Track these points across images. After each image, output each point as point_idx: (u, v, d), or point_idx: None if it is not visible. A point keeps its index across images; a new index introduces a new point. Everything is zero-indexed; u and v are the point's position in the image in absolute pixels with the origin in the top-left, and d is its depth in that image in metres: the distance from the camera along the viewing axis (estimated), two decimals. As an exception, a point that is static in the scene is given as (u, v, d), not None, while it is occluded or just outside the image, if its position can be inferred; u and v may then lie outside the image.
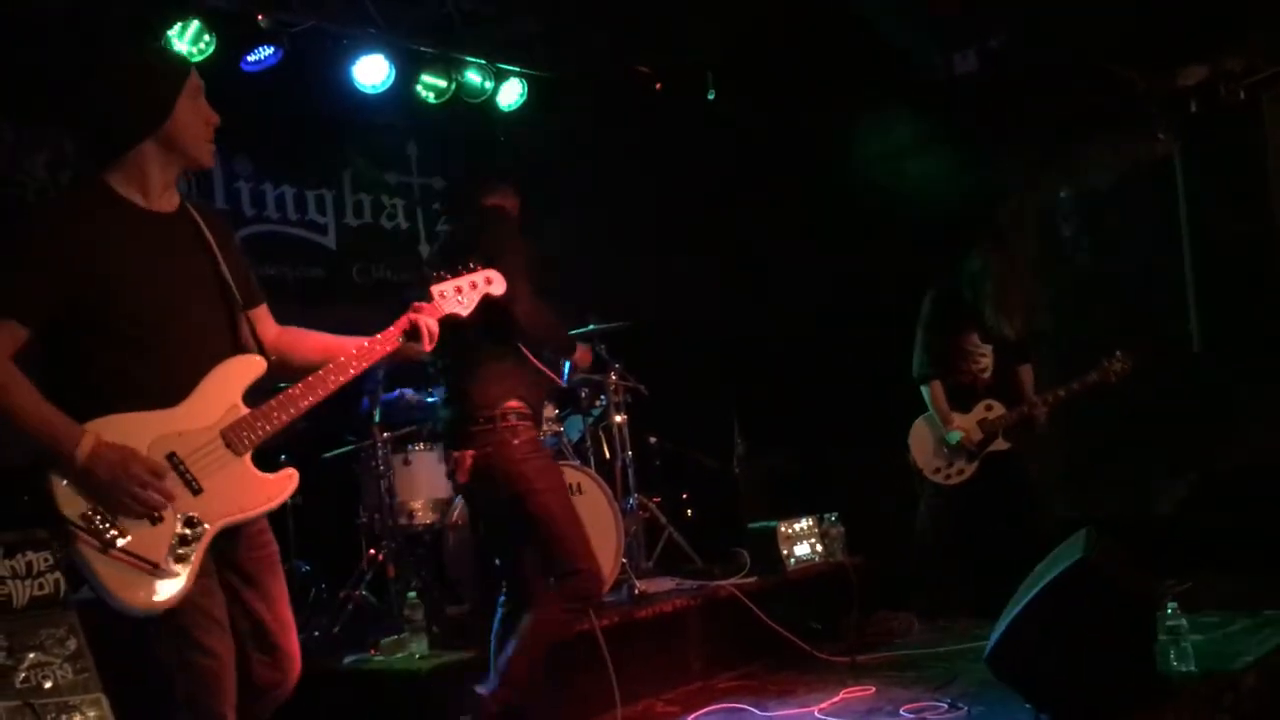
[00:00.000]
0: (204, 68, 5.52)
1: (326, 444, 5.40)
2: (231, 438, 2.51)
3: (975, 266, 5.34)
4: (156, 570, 2.38)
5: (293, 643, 2.66)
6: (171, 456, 2.44)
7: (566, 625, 3.69)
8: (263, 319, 2.79)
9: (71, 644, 2.32)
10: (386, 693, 4.13)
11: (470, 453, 3.58)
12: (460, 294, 3.04)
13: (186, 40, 5.51)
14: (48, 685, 2.30)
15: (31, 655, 2.31)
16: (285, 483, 2.60)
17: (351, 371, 2.68)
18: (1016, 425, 5.29)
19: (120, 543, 2.37)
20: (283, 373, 2.71)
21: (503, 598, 3.82)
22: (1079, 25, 5.95)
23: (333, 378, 2.65)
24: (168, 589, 2.40)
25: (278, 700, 2.65)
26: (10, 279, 2.36)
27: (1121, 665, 3.42)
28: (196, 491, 2.45)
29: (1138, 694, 3.44)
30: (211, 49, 5.54)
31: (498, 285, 3.17)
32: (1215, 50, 5.82)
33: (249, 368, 2.59)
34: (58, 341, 2.41)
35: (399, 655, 4.25)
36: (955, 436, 5.26)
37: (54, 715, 2.34)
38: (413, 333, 2.82)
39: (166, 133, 2.53)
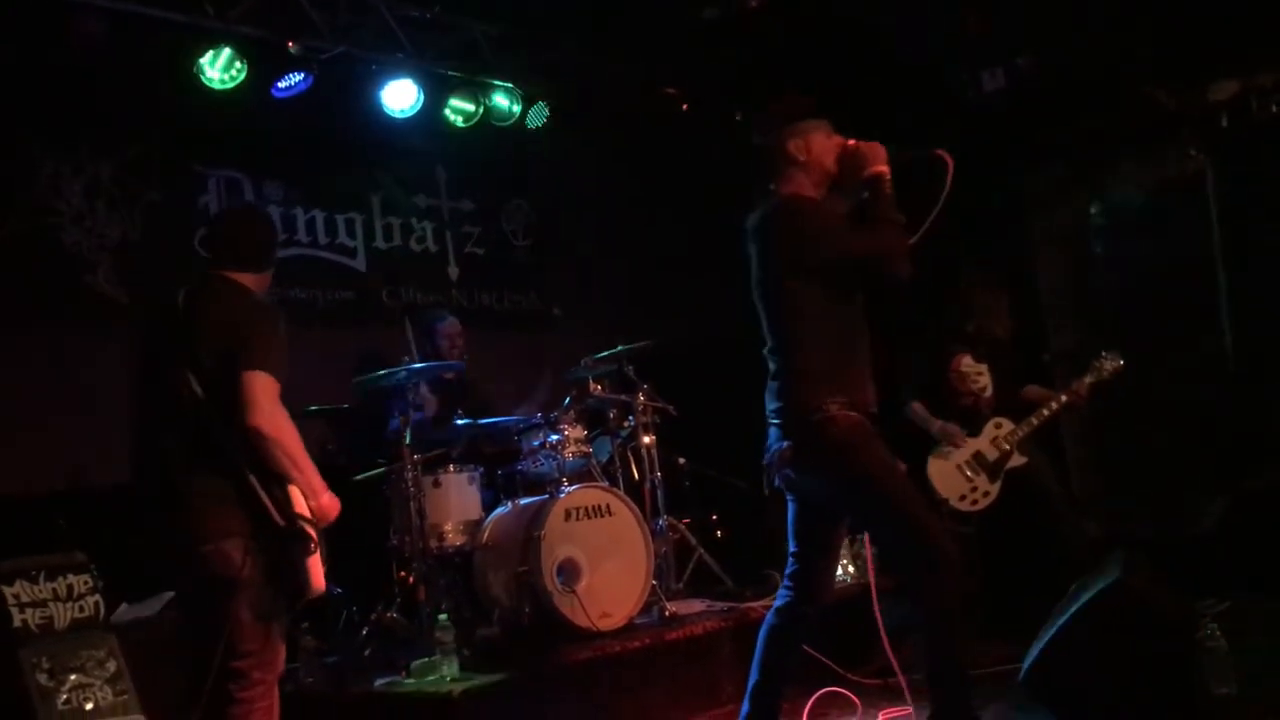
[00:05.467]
0: (235, 94, 5.67)
1: (357, 467, 5.41)
2: None
3: (959, 285, 5.50)
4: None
5: None
6: None
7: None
8: None
9: (112, 666, 2.35)
10: (418, 715, 4.13)
11: None
12: None
13: (218, 67, 5.58)
14: (89, 707, 2.33)
15: (73, 677, 2.34)
16: None
17: None
18: (1045, 426, 5.26)
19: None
20: None
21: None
22: (1108, 42, 5.94)
23: None
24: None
25: None
26: (269, 350, 3.13)
27: (1160, 687, 3.38)
28: None
29: (1177, 717, 3.39)
30: (243, 75, 5.61)
31: None
32: (1246, 65, 5.79)
33: None
34: None
35: (430, 678, 4.24)
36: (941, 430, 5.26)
37: (94, 737, 2.36)
38: None
39: (264, 279, 3.45)
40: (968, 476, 5.29)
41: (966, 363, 5.41)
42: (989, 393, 5.40)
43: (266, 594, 3.04)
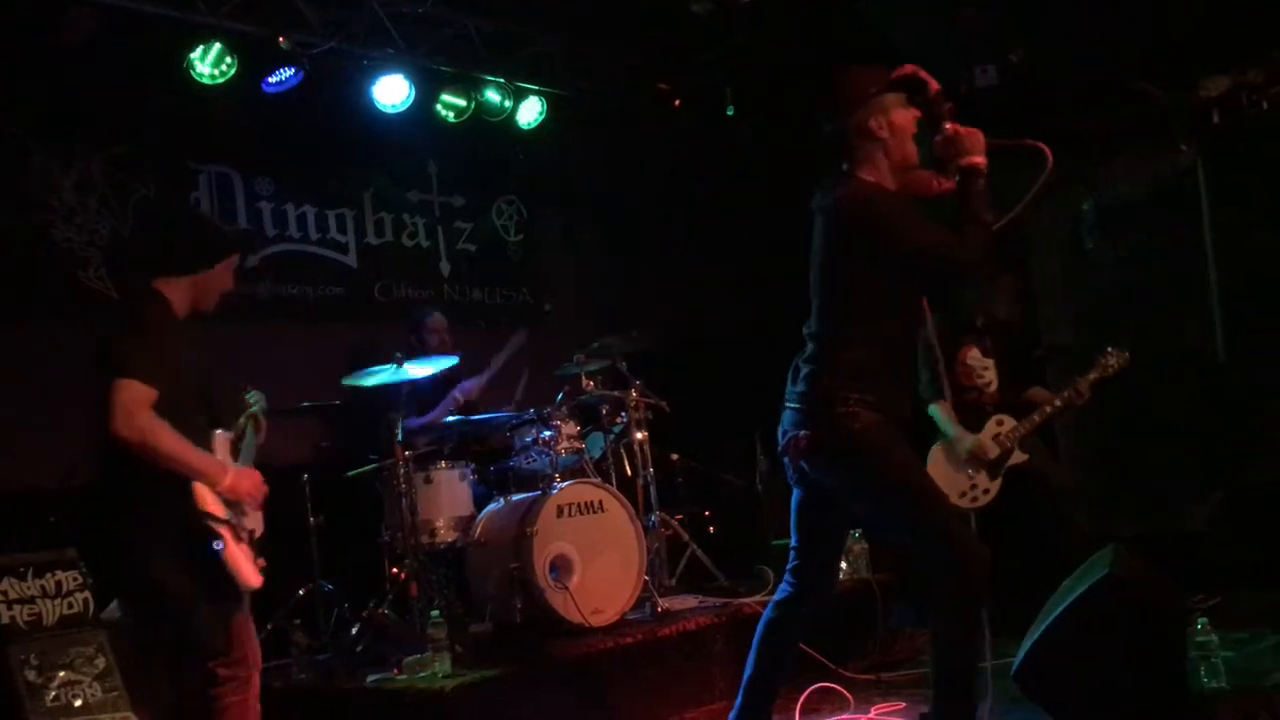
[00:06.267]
0: (226, 90, 5.65)
1: (349, 463, 5.41)
2: None
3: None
4: (254, 559, 3.23)
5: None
6: None
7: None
8: None
9: (101, 662, 2.34)
10: (410, 712, 4.11)
11: None
12: None
13: (209, 63, 5.56)
14: (78, 703, 2.33)
15: (62, 674, 2.34)
16: (261, 518, 3.43)
17: None
18: (1048, 423, 5.21)
19: (244, 536, 3.22)
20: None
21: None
22: (1099, 38, 5.94)
23: None
24: (258, 575, 3.23)
25: None
26: (144, 356, 3.15)
27: (1151, 682, 3.38)
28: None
29: (1168, 711, 3.39)
30: (233, 71, 5.60)
31: None
32: (1237, 61, 5.80)
33: (226, 438, 3.47)
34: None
35: (422, 674, 4.23)
36: (958, 438, 5.21)
37: (83, 733, 2.36)
38: None
39: (203, 279, 3.40)
40: (968, 474, 5.24)
41: (974, 356, 5.33)
42: (993, 388, 5.33)
43: (193, 593, 3.12)
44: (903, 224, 3.23)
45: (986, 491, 5.22)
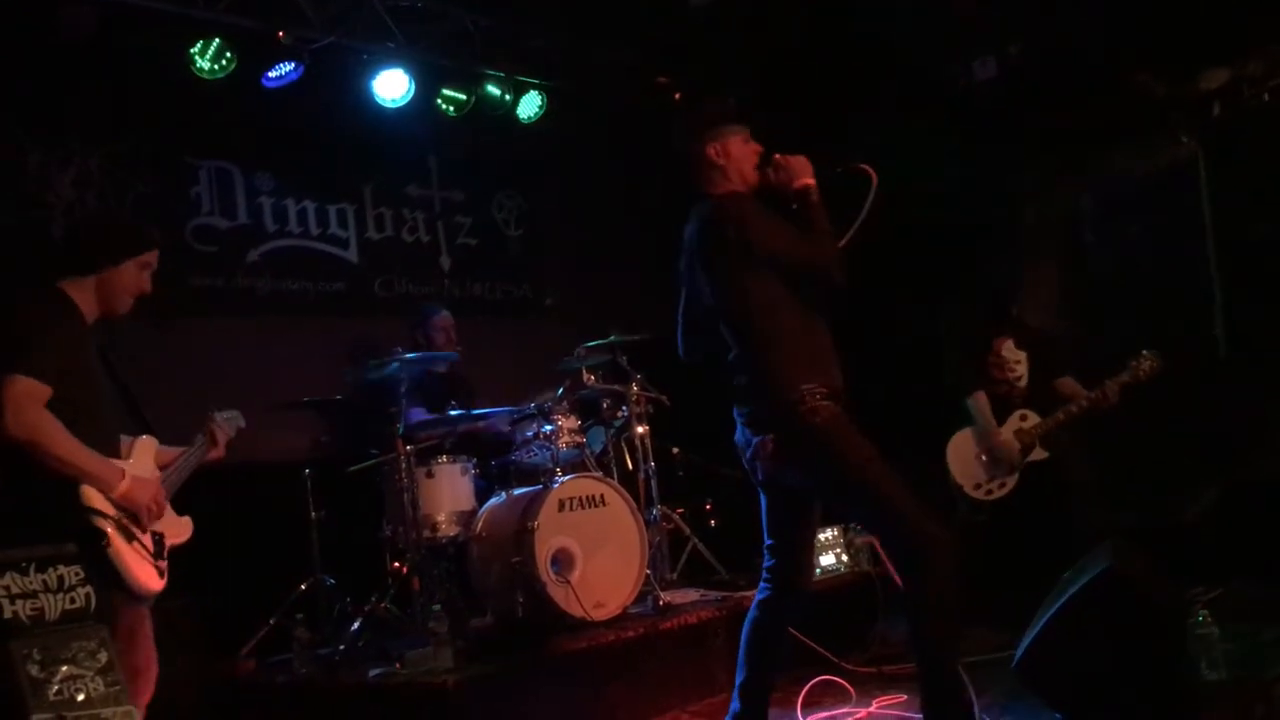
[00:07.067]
0: (225, 85, 5.65)
1: (350, 458, 5.41)
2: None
3: (1004, 267, 5.36)
4: (155, 561, 3.22)
5: None
6: None
7: None
8: None
9: (103, 657, 2.35)
10: (412, 706, 4.12)
11: None
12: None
13: (209, 58, 5.56)
14: (80, 698, 2.34)
15: (64, 668, 2.35)
16: (189, 524, 3.48)
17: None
18: (1071, 423, 5.17)
19: (139, 536, 3.19)
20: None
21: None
22: (1099, 31, 5.94)
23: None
24: (159, 578, 3.23)
25: None
26: (37, 353, 3.09)
27: (1151, 674, 3.39)
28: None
29: (1168, 703, 3.40)
30: (233, 66, 5.61)
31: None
32: (1237, 53, 5.80)
33: (153, 444, 3.48)
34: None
35: (424, 668, 4.24)
36: (989, 432, 5.17)
37: (86, 728, 2.37)
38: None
39: (108, 278, 3.31)
40: (986, 467, 5.22)
41: (1008, 348, 5.29)
42: (1024, 383, 5.27)
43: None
44: (760, 227, 3.41)
45: (1003, 485, 5.21)
